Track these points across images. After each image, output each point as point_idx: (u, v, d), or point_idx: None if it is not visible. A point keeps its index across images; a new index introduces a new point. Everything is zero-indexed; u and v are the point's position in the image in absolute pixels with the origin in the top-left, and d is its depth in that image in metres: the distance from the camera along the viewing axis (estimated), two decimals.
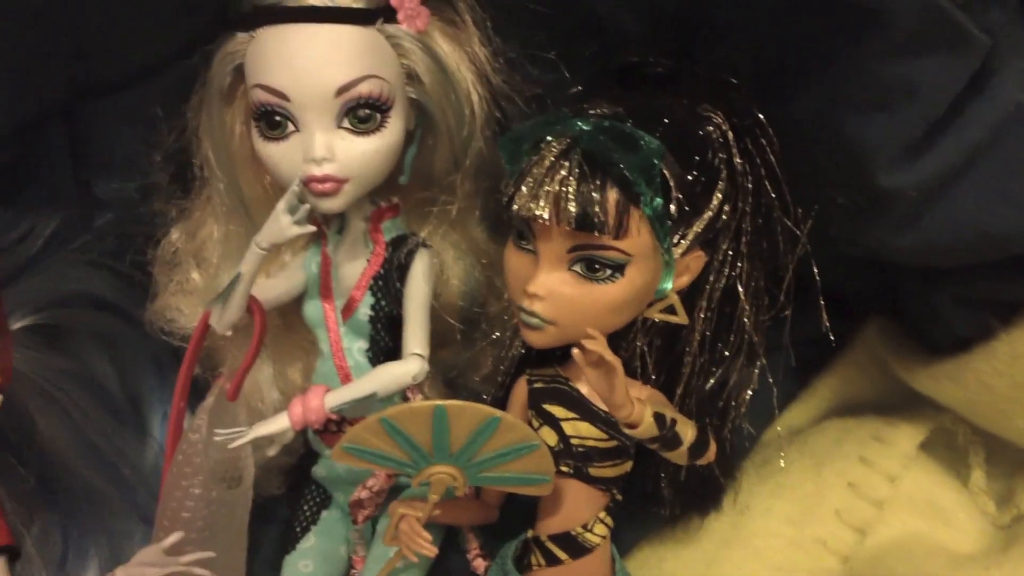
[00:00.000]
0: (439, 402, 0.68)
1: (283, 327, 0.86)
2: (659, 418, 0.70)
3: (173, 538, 0.75)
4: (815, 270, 0.77)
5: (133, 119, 0.85)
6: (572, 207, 0.67)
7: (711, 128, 0.74)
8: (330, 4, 0.73)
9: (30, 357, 0.79)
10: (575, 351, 0.68)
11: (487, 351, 0.85)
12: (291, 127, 0.75)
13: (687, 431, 0.72)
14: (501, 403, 0.81)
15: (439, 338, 0.82)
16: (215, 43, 0.78)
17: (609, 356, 0.67)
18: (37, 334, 0.81)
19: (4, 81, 0.80)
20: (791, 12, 0.70)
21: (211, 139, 0.80)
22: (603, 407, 0.74)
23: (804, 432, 0.92)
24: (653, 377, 0.79)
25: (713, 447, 0.74)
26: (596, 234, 0.68)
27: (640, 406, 0.69)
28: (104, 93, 0.84)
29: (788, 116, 0.74)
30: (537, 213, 0.68)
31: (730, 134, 0.74)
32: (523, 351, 0.81)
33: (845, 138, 0.72)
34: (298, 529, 0.87)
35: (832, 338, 0.79)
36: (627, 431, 0.71)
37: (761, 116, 0.75)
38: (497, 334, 0.84)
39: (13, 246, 0.80)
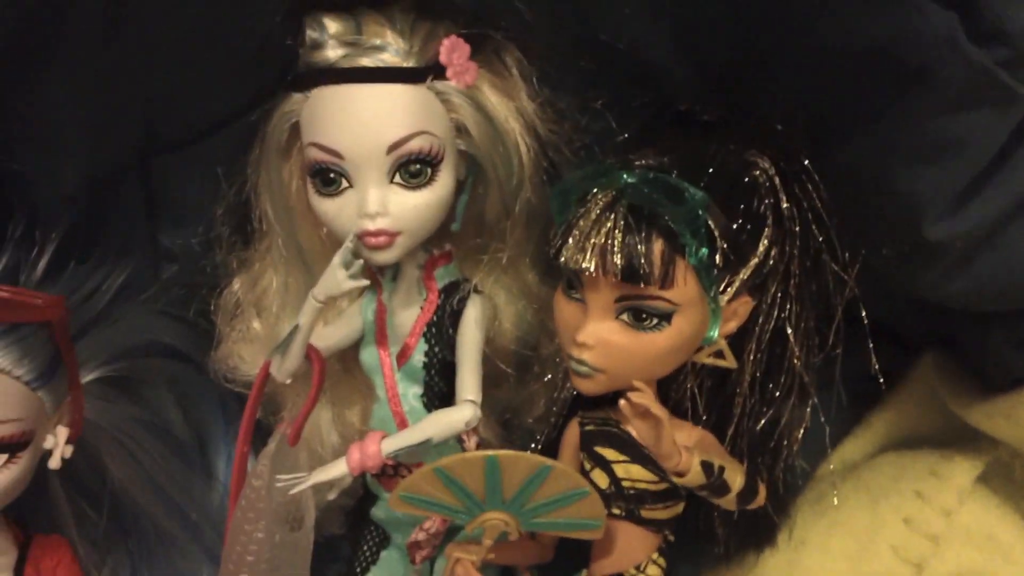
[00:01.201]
0: (491, 452, 0.70)
1: (341, 371, 0.88)
2: (707, 466, 0.71)
3: None
4: (863, 313, 0.78)
5: (196, 174, 0.87)
6: (618, 259, 0.69)
7: (757, 173, 0.74)
8: (381, 65, 0.75)
9: (101, 407, 0.82)
10: (622, 403, 0.70)
11: (540, 392, 0.86)
12: (345, 183, 0.77)
13: (736, 478, 0.73)
14: (553, 445, 0.82)
15: (493, 379, 0.84)
16: (273, 101, 0.80)
17: (655, 409, 0.68)
18: (108, 385, 0.84)
19: (82, 138, 0.83)
20: (843, 68, 0.71)
21: (269, 193, 0.82)
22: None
23: (859, 467, 0.92)
24: (704, 418, 0.80)
25: (763, 493, 0.75)
26: (642, 285, 0.69)
27: (688, 455, 0.71)
28: (172, 149, 0.87)
29: (837, 166, 0.75)
30: (584, 265, 0.69)
31: (776, 179, 0.75)
32: (575, 392, 0.82)
33: (894, 190, 0.73)
34: (358, 569, 0.89)
35: (881, 380, 0.79)
36: (675, 479, 0.72)
37: (807, 162, 0.75)
38: (549, 376, 0.85)
39: (84, 300, 0.83)
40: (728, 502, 0.74)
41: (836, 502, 0.87)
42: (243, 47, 0.80)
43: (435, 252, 0.83)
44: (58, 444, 0.76)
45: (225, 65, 0.84)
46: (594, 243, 0.69)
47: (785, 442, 0.81)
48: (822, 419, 0.81)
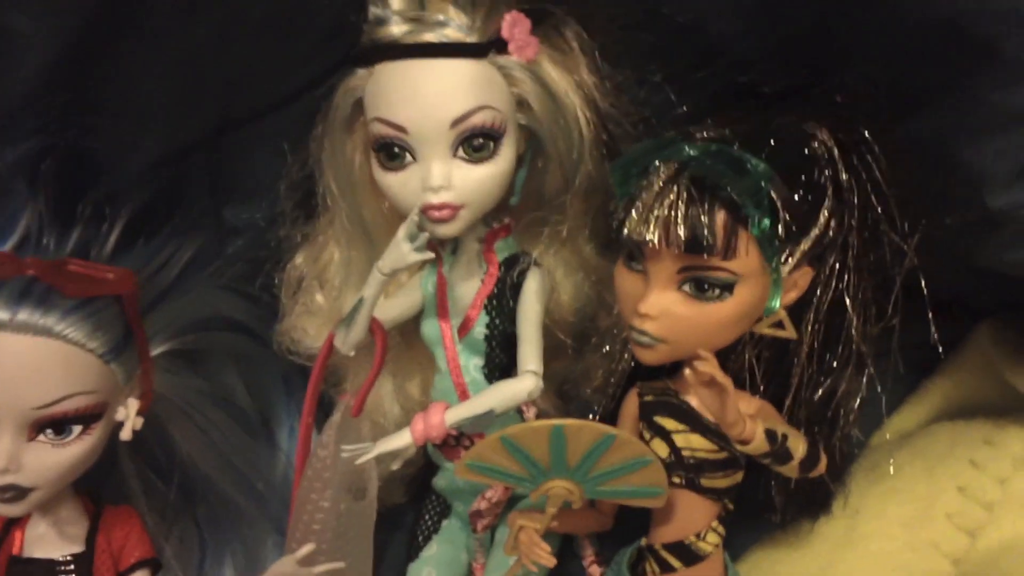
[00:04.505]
0: (557, 421, 0.71)
1: (402, 344, 0.89)
2: (770, 434, 0.72)
3: (306, 550, 0.79)
4: (923, 283, 0.78)
5: (261, 149, 0.89)
6: (681, 231, 0.69)
7: (816, 144, 0.75)
8: (444, 40, 0.76)
9: (169, 380, 0.84)
10: (687, 371, 0.71)
11: (598, 364, 0.87)
12: (409, 158, 0.78)
13: (798, 445, 0.74)
14: (612, 416, 0.83)
15: (552, 351, 0.84)
16: (337, 77, 0.81)
17: (720, 376, 0.69)
18: (176, 358, 0.85)
19: (160, 114, 0.85)
20: (912, 42, 0.71)
21: (333, 168, 0.83)
22: (714, 420, 0.76)
23: (914, 436, 0.93)
24: (762, 388, 0.80)
25: (824, 460, 0.76)
26: (705, 256, 0.70)
27: (752, 423, 0.71)
28: (242, 125, 0.88)
29: (901, 137, 0.76)
30: (648, 237, 0.70)
31: (835, 150, 0.75)
32: (633, 364, 0.83)
33: (958, 161, 0.73)
34: (420, 538, 0.91)
35: (940, 348, 0.80)
36: (739, 447, 0.73)
37: (866, 133, 0.76)
38: (608, 348, 0.86)
39: (153, 275, 0.85)
40: (791, 469, 0.74)
41: (892, 470, 0.88)
42: (314, 24, 0.81)
43: (495, 225, 0.84)
44: (129, 416, 0.78)
45: (297, 42, 0.85)
46: (657, 215, 0.70)
47: (842, 412, 0.81)
48: (879, 389, 0.82)
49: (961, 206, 0.75)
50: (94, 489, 0.82)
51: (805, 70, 0.78)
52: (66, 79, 0.80)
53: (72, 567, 0.78)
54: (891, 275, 0.79)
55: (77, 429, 0.75)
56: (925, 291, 0.78)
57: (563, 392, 0.91)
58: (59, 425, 0.74)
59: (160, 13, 0.78)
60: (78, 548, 0.79)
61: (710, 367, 0.69)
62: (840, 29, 0.74)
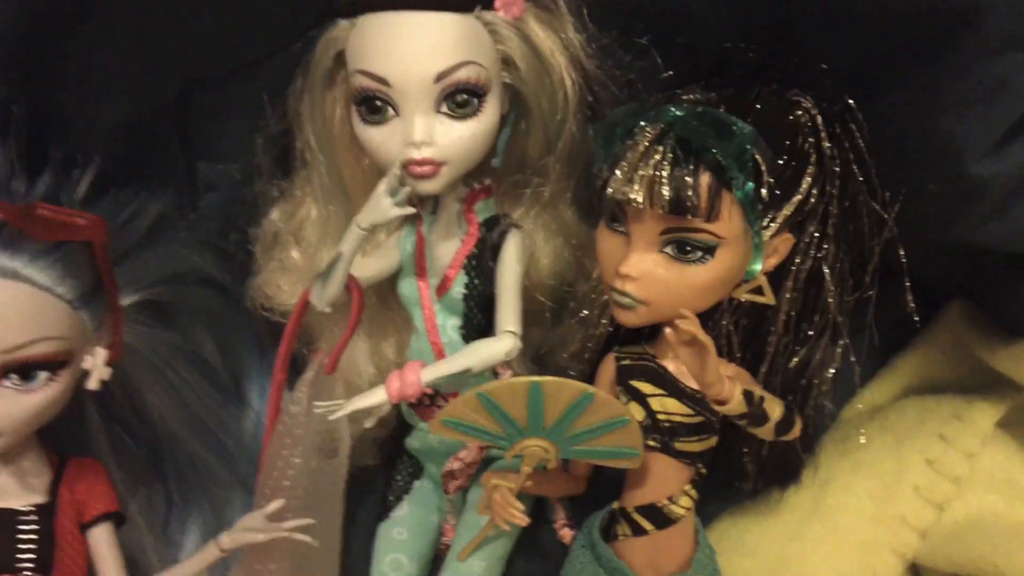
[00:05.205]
0: (536, 378, 0.70)
1: (378, 304, 0.89)
2: (748, 395, 0.73)
3: (275, 505, 0.78)
4: (901, 252, 0.79)
5: (238, 104, 0.87)
6: (665, 191, 0.69)
7: (800, 113, 0.75)
8: None
9: (139, 332, 0.82)
10: (668, 331, 0.71)
11: (575, 329, 0.86)
12: (391, 112, 0.77)
13: (774, 408, 0.74)
14: (589, 380, 0.82)
15: (529, 316, 0.84)
16: (317, 29, 0.80)
17: (702, 336, 0.69)
18: (146, 310, 0.84)
19: (122, 77, 0.83)
20: (891, 13, 0.72)
21: (312, 123, 0.82)
22: (690, 384, 0.76)
23: (884, 410, 0.93)
24: (738, 356, 0.81)
25: (799, 424, 0.77)
26: (688, 217, 0.69)
27: (730, 384, 0.72)
28: (213, 85, 0.87)
29: (881, 108, 0.76)
30: (631, 197, 0.70)
31: (819, 119, 0.75)
32: (611, 329, 0.83)
33: (938, 131, 0.74)
34: (392, 498, 0.90)
35: (916, 319, 0.81)
36: (717, 408, 0.73)
37: (850, 102, 0.76)
38: (585, 312, 0.85)
39: (123, 226, 0.83)
40: (766, 432, 0.75)
41: (863, 441, 0.88)
42: None
43: (476, 186, 0.84)
44: (97, 365, 0.76)
45: (265, 3, 0.84)
46: (642, 175, 0.70)
47: (816, 381, 0.82)
48: (852, 360, 0.82)
49: (941, 176, 0.75)
50: (60, 441, 0.81)
51: (786, 41, 0.78)
52: (25, 42, 0.80)
53: (34, 517, 0.77)
54: (870, 246, 0.79)
55: (43, 376, 0.74)
56: (904, 260, 0.78)
57: (539, 358, 0.90)
58: (25, 370, 0.73)
59: None
60: (40, 499, 0.78)
61: (692, 326, 0.69)
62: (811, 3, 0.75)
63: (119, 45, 0.82)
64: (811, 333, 0.80)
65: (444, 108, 0.77)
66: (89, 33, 0.81)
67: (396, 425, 0.91)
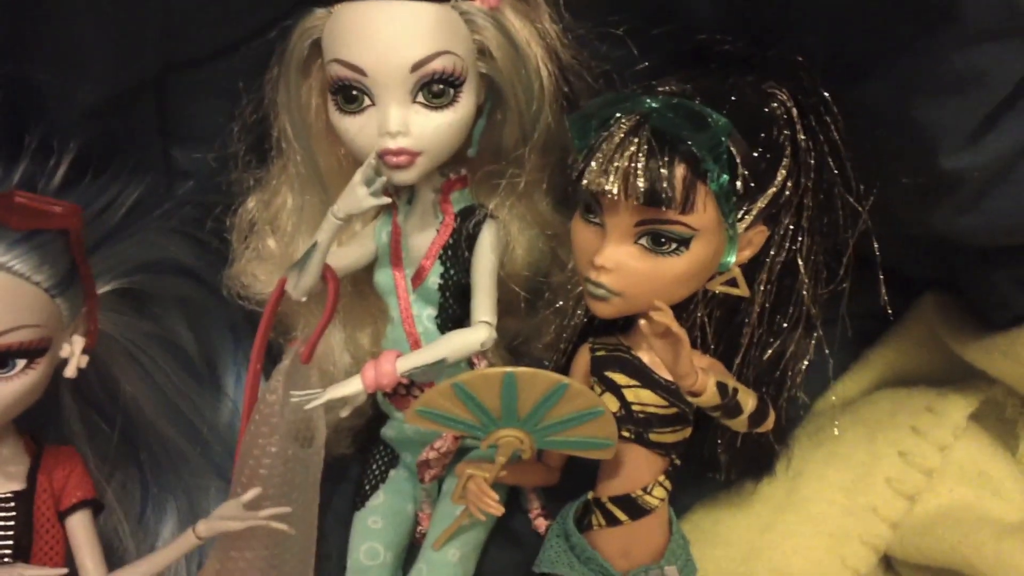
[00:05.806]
0: (510, 369, 0.71)
1: (354, 293, 0.89)
2: (721, 387, 0.73)
3: (252, 493, 0.78)
4: (875, 245, 0.79)
5: (214, 92, 0.87)
6: (640, 182, 0.69)
7: (776, 105, 0.75)
8: None
9: (115, 320, 0.82)
10: (642, 322, 0.71)
11: (550, 320, 0.87)
12: (367, 101, 0.77)
13: (748, 400, 0.75)
14: (563, 371, 0.83)
15: (504, 307, 0.84)
16: (293, 17, 0.80)
17: (676, 327, 0.69)
18: (122, 298, 0.83)
19: (100, 57, 0.83)
20: (869, 3, 0.72)
21: (288, 111, 0.82)
22: (664, 375, 0.76)
23: (857, 402, 0.94)
24: (712, 347, 0.81)
25: (773, 416, 0.77)
26: (663, 209, 0.70)
27: (704, 375, 0.72)
28: (190, 67, 0.87)
29: (857, 99, 0.76)
30: (606, 188, 0.70)
31: (795, 111, 0.76)
32: (585, 320, 0.83)
33: (913, 122, 0.74)
34: (367, 487, 0.90)
35: (890, 312, 0.81)
36: (691, 399, 0.73)
37: (826, 94, 0.76)
38: (560, 303, 0.86)
39: (99, 214, 0.83)
40: (740, 423, 0.75)
41: (837, 433, 0.89)
42: None
43: (452, 176, 0.84)
44: (74, 353, 0.76)
45: None
46: (617, 166, 0.70)
47: (790, 373, 0.82)
48: (826, 351, 0.82)
49: (916, 168, 0.75)
50: (36, 429, 0.81)
51: (762, 32, 0.78)
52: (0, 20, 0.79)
53: (12, 504, 0.77)
54: (844, 238, 0.80)
55: (21, 363, 0.74)
56: (877, 253, 0.79)
57: (514, 348, 0.91)
58: (3, 358, 0.73)
59: None
60: (18, 486, 0.77)
61: (666, 317, 0.69)
62: None
63: (97, 22, 0.81)
64: (785, 325, 0.81)
65: (420, 98, 0.77)
66: (66, 10, 0.80)
67: (372, 414, 0.91)
